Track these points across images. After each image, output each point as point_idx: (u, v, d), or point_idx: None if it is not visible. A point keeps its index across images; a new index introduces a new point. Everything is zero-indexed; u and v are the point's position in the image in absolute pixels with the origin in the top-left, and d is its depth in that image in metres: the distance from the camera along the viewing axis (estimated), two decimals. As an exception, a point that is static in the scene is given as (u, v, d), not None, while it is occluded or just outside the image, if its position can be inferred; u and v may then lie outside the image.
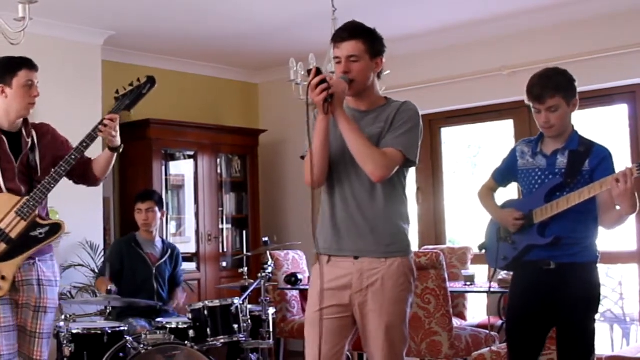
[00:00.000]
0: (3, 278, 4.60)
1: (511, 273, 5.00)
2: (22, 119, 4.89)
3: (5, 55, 4.88)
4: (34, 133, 4.94)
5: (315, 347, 4.07)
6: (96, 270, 7.84)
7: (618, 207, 4.35)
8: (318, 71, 3.90)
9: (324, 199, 4.22)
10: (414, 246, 9.06)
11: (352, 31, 4.12)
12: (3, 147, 4.77)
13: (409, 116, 4.09)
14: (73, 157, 4.78)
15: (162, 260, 6.99)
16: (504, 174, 4.92)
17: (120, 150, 5.06)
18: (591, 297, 4.51)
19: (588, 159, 4.47)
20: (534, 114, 4.54)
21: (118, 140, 4.96)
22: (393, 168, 4.00)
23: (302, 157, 4.23)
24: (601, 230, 4.55)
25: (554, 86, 4.44)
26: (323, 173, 4.09)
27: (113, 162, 5.14)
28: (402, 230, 4.14)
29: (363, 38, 4.10)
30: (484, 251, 5.05)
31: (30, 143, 4.89)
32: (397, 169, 4.05)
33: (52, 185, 4.74)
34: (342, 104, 3.98)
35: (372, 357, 4.12)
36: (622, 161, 4.37)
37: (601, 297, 4.58)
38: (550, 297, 4.49)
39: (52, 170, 4.77)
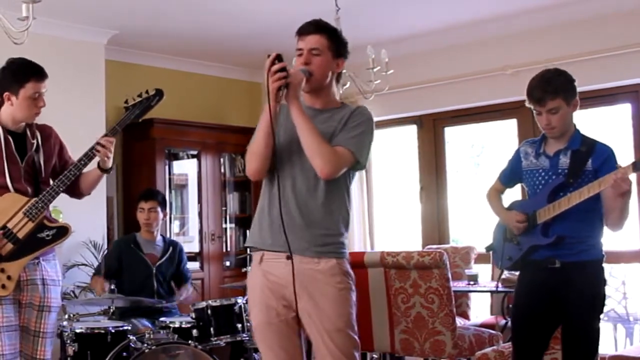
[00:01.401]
0: (9, 278, 4.61)
1: (515, 272, 5.01)
2: None
3: (9, 55, 4.88)
4: (38, 134, 4.95)
5: (272, 351, 4.03)
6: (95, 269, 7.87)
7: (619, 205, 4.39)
8: (279, 58, 3.87)
9: (262, 192, 4.14)
10: (417, 245, 9.15)
11: (318, 26, 4.15)
12: (9, 147, 4.78)
13: (363, 120, 4.06)
14: (83, 162, 4.81)
15: (163, 260, 6.97)
16: (509, 176, 4.95)
17: (110, 172, 5.08)
18: (596, 296, 4.52)
19: (591, 159, 4.49)
20: (535, 115, 4.56)
21: (110, 163, 4.98)
22: (342, 167, 3.96)
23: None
24: (605, 229, 4.57)
25: (553, 89, 4.45)
26: (265, 163, 4.01)
27: (100, 181, 5.17)
28: (339, 232, 4.06)
29: (328, 34, 4.11)
30: (491, 252, 5.08)
31: (35, 144, 4.90)
32: (345, 171, 4.01)
33: (61, 189, 4.77)
34: (298, 95, 3.95)
35: None
36: (625, 161, 4.38)
37: (606, 297, 4.59)
38: (556, 295, 4.51)
39: (62, 174, 4.79)
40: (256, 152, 4.00)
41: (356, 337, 4.04)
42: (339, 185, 4.05)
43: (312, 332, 3.99)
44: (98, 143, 4.85)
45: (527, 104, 4.58)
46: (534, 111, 4.54)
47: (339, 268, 4.00)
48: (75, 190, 5.12)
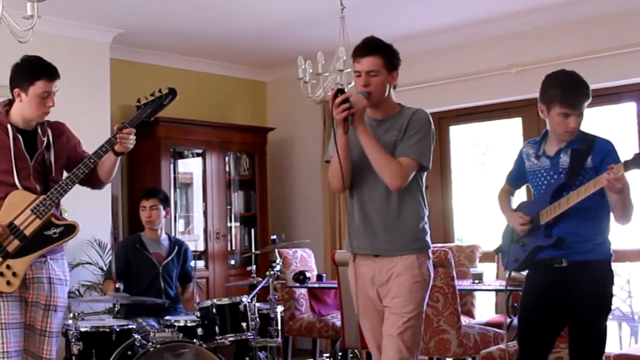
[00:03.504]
0: (14, 274, 4.61)
1: (522, 272, 5.01)
2: None
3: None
4: (49, 132, 4.94)
5: (372, 335, 4.54)
6: (104, 269, 7.86)
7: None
8: (340, 91, 4.18)
9: (348, 202, 4.63)
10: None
11: (372, 47, 4.40)
12: (19, 145, 4.77)
13: (421, 125, 4.38)
14: (92, 160, 4.79)
15: (169, 259, 6.97)
16: (515, 177, 5.02)
17: (123, 154, 5.06)
18: (603, 296, 4.53)
19: (591, 156, 4.49)
20: (559, 119, 4.51)
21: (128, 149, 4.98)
22: (409, 176, 4.31)
23: (327, 162, 4.58)
24: (613, 226, 4.58)
25: (587, 92, 4.50)
26: (345, 181, 4.41)
27: (117, 166, 5.14)
28: (416, 230, 4.42)
29: (382, 53, 4.38)
30: (500, 254, 5.10)
31: (45, 142, 4.89)
32: (413, 175, 4.33)
33: (70, 187, 4.75)
34: (363, 119, 4.27)
35: (385, 347, 4.37)
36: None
37: (612, 296, 4.59)
38: (563, 295, 4.51)
39: (71, 172, 4.78)
40: (334, 174, 4.39)
41: (421, 327, 4.46)
42: (411, 189, 4.42)
43: (386, 315, 4.41)
44: (118, 132, 4.83)
45: (551, 110, 4.54)
46: (559, 115, 4.49)
47: (417, 262, 4.40)
48: (94, 181, 5.11)
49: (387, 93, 4.43)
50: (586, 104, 4.51)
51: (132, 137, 4.88)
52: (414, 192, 4.43)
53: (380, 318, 4.45)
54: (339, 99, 4.15)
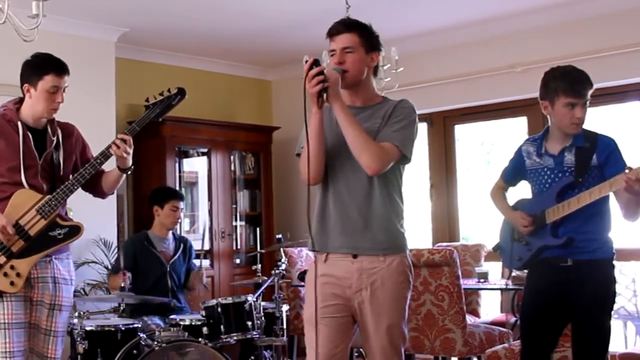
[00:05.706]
0: (18, 275, 4.61)
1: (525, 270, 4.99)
2: None
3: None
4: (59, 131, 4.95)
5: (314, 348, 4.06)
6: (109, 267, 7.86)
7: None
8: (316, 62, 3.86)
9: (318, 196, 4.17)
10: (427, 243, 9.14)
11: (348, 24, 4.12)
12: (28, 144, 4.78)
13: (406, 113, 4.08)
14: (99, 161, 4.80)
15: (176, 257, 7.00)
16: (512, 174, 4.96)
17: (129, 172, 5.08)
18: (606, 294, 4.52)
19: (595, 153, 4.47)
20: (564, 110, 4.48)
21: (129, 162, 4.97)
22: (389, 162, 3.97)
23: (298, 155, 4.20)
24: (617, 223, 4.57)
25: (589, 80, 4.48)
26: (321, 168, 4.05)
27: (121, 181, 5.17)
28: (399, 228, 4.13)
29: (358, 31, 4.09)
30: (498, 252, 5.06)
31: (55, 141, 4.90)
32: (393, 166, 4.02)
33: (75, 187, 4.76)
34: (339, 94, 3.94)
35: (372, 356, 4.10)
36: (634, 159, 4.37)
37: (616, 294, 4.58)
38: (565, 293, 4.50)
39: (77, 172, 4.80)
40: (309, 158, 3.99)
41: (406, 332, 4.16)
42: (391, 182, 4.09)
43: (369, 327, 4.05)
44: (114, 142, 4.85)
45: (555, 103, 4.52)
46: (566, 105, 4.47)
47: (402, 265, 4.09)
48: (97, 189, 5.15)
49: (365, 75, 4.10)
50: (590, 92, 4.46)
51: (127, 147, 4.86)
52: (395, 188, 4.12)
53: (341, 325, 4.08)
54: (313, 71, 3.82)
